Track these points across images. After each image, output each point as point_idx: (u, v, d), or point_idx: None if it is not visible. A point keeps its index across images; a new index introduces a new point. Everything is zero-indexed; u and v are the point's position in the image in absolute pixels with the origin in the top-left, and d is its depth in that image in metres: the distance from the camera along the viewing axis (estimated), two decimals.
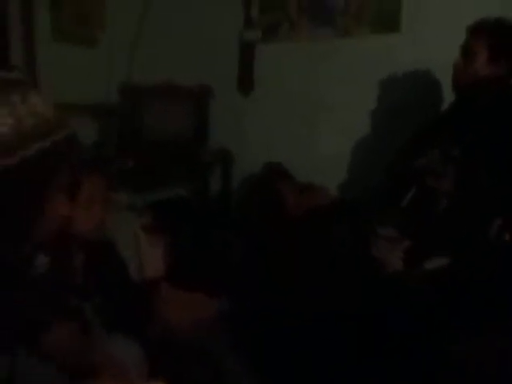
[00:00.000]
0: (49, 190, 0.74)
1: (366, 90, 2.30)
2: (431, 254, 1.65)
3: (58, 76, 2.13)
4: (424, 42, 2.12)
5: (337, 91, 2.35)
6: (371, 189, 2.14)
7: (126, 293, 1.44)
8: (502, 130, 1.62)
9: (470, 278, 1.51)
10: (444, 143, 1.68)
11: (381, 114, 2.32)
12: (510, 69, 1.69)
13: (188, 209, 2.49)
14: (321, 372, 1.60)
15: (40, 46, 2.10)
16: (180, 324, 1.65)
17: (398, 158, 1.91)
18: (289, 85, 2.44)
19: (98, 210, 1.29)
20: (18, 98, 0.71)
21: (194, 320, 1.75)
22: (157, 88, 2.29)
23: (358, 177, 2.40)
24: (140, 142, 2.24)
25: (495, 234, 1.50)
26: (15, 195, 0.71)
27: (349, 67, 2.33)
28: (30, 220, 0.75)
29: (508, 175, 1.54)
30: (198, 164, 2.42)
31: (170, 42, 2.47)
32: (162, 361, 1.29)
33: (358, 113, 2.33)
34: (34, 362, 0.89)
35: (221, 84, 2.41)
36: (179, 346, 1.52)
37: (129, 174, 2.20)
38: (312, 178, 2.20)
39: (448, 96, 1.91)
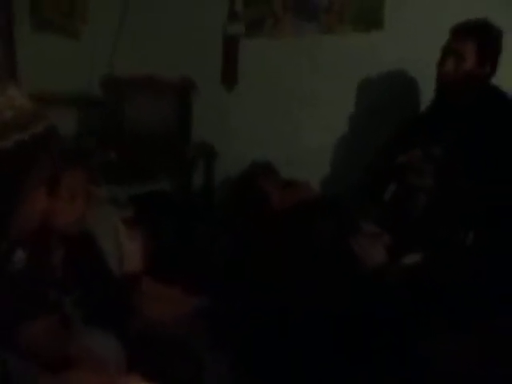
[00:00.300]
0: (27, 183, 0.74)
1: (349, 87, 2.33)
2: (410, 249, 1.68)
3: (40, 67, 2.11)
4: (406, 39, 2.14)
5: (320, 87, 2.36)
6: (353, 184, 2.17)
7: (106, 287, 1.43)
8: (483, 129, 1.66)
9: (443, 275, 1.54)
10: (425, 141, 1.71)
11: (363, 110, 2.34)
12: (490, 70, 1.73)
13: (170, 203, 2.49)
14: (303, 367, 1.62)
15: (20, 37, 2.06)
16: (160, 318, 1.65)
17: (379, 154, 1.94)
18: (272, 80, 2.44)
19: (79, 204, 1.28)
20: None
21: (174, 315, 1.76)
22: (139, 81, 2.26)
23: (340, 172, 2.42)
24: (122, 135, 2.22)
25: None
26: None
27: (332, 63, 2.34)
28: (8, 214, 0.75)
29: (487, 174, 1.57)
30: (181, 158, 2.40)
31: (154, 35, 2.44)
32: (141, 355, 1.29)
33: (341, 108, 2.35)
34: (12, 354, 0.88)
35: (204, 78, 2.40)
36: (159, 341, 1.52)
37: (111, 167, 2.18)
38: (295, 172, 2.21)
39: (428, 93, 1.93)
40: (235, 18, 2.45)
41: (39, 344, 0.99)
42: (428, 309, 1.45)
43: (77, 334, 1.16)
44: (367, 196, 1.92)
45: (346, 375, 1.50)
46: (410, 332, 1.41)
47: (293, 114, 2.44)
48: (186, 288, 1.96)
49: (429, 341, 1.27)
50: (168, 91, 2.31)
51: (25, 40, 2.08)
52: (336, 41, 2.31)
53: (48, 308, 1.13)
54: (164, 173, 2.59)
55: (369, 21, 2.25)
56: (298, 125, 2.43)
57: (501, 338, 1.14)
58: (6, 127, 0.69)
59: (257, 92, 2.46)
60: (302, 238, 1.94)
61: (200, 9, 2.43)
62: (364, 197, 1.96)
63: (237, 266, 2.18)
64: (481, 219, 1.55)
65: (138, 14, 2.43)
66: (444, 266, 1.58)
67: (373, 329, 1.50)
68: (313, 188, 2.28)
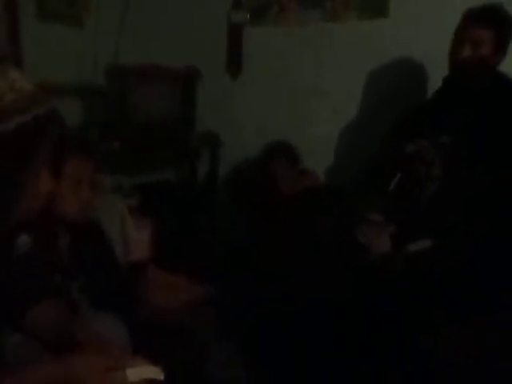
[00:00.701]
0: (30, 165, 0.74)
1: (354, 75, 2.31)
2: (416, 237, 1.67)
3: (45, 57, 2.11)
4: (411, 27, 2.12)
5: (325, 75, 2.35)
6: (358, 174, 2.16)
7: (111, 274, 1.44)
8: (491, 116, 1.64)
9: (447, 263, 1.53)
10: (433, 130, 1.69)
11: (369, 99, 2.33)
12: (504, 53, 1.70)
13: (174, 192, 2.49)
14: (306, 356, 1.63)
15: (25, 26, 2.06)
16: (166, 306, 1.66)
17: (383, 144, 1.92)
18: (277, 68, 2.43)
19: (84, 192, 1.28)
20: None
21: (179, 302, 1.77)
22: (144, 70, 2.26)
23: (346, 161, 2.41)
24: (127, 124, 2.22)
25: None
26: None
27: (337, 51, 2.33)
28: (12, 197, 0.75)
29: (496, 162, 1.56)
30: (185, 147, 2.41)
31: (158, 24, 2.44)
32: (146, 342, 1.30)
33: (347, 97, 2.34)
34: (19, 338, 0.90)
35: (209, 66, 2.40)
36: (165, 328, 1.53)
37: (115, 156, 2.19)
38: (301, 161, 2.20)
39: (434, 81, 1.92)
40: (239, 6, 2.43)
41: (45, 326, 1.00)
42: (430, 301, 1.44)
43: (83, 317, 1.17)
44: (372, 186, 1.91)
45: (347, 365, 1.51)
46: (411, 324, 1.41)
47: (298, 103, 2.43)
48: (191, 276, 1.98)
49: (429, 333, 1.27)
50: (172, 80, 2.31)
51: (30, 30, 2.07)
52: (340, 28, 2.29)
53: (54, 292, 1.14)
54: (168, 162, 2.59)
55: (374, 8, 2.23)
56: (303, 113, 2.42)
57: (499, 332, 1.14)
58: (8, 109, 0.69)
59: (261, 80, 2.45)
60: (306, 226, 1.95)
61: None
62: (369, 187, 1.95)
63: (241, 254, 2.19)
64: (489, 207, 1.54)
65: (142, 3, 2.43)
66: (449, 254, 1.57)
67: (374, 320, 1.50)
68: (319, 177, 2.28)
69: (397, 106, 2.12)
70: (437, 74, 1.83)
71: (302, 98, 2.42)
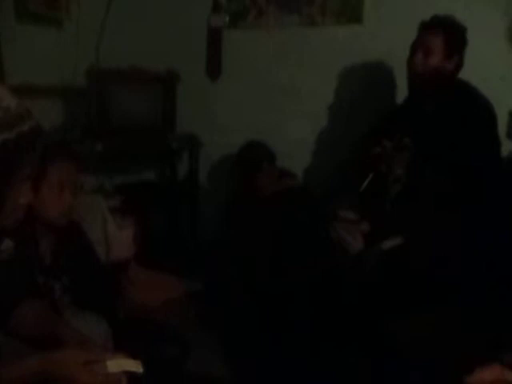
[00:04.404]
0: (13, 178, 0.79)
1: (330, 78, 2.38)
2: (387, 235, 1.76)
3: (25, 59, 2.12)
4: (384, 33, 2.21)
5: (302, 77, 2.42)
6: (334, 173, 2.24)
7: (93, 273, 1.48)
8: (450, 121, 1.74)
9: (420, 256, 1.62)
10: (397, 134, 1.79)
11: (344, 101, 2.41)
12: (457, 64, 1.80)
13: (156, 192, 2.53)
14: (284, 348, 1.70)
15: (4, 28, 2.07)
16: (149, 303, 1.71)
17: (356, 145, 2.01)
18: (256, 70, 2.48)
19: (66, 196, 1.31)
20: None
21: (162, 299, 1.82)
22: (124, 72, 2.28)
23: (322, 161, 2.49)
24: (108, 125, 2.25)
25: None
26: None
27: (314, 55, 2.40)
28: None
29: (453, 163, 1.66)
30: (166, 148, 2.45)
31: (138, 26, 2.46)
32: (128, 338, 1.34)
33: (323, 99, 2.41)
34: (3, 336, 0.95)
35: (189, 69, 2.43)
36: (146, 325, 1.58)
37: (97, 157, 2.22)
38: (278, 161, 2.26)
39: (404, 85, 2.00)
40: (219, 11, 2.48)
41: (28, 325, 1.05)
42: (398, 292, 1.53)
43: (65, 316, 1.21)
44: (346, 185, 2.00)
45: (323, 351, 1.60)
46: (380, 313, 1.50)
47: (276, 104, 2.49)
48: (173, 273, 2.03)
49: (395, 320, 1.36)
50: (153, 82, 2.34)
51: (9, 32, 2.08)
52: (317, 33, 2.36)
53: (37, 293, 1.19)
54: (150, 162, 2.63)
55: (349, 14, 2.30)
56: (281, 115, 2.48)
57: (457, 319, 1.23)
58: None
59: (240, 83, 2.50)
60: (283, 222, 2.02)
61: (185, 1, 2.46)
62: (343, 186, 2.03)
63: (220, 250, 2.25)
64: (450, 204, 1.63)
65: (122, 6, 2.46)
66: (418, 249, 1.66)
67: (347, 310, 1.59)
68: (297, 177, 2.35)
69: (371, 109, 2.21)
70: (405, 78, 1.91)
71: (280, 100, 2.48)
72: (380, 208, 1.82)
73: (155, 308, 1.75)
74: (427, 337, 1.20)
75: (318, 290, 1.75)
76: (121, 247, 2.00)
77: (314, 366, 1.60)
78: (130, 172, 2.55)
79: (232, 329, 1.88)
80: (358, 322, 1.57)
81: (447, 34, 1.76)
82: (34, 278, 1.26)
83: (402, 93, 2.12)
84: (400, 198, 1.77)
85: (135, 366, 0.96)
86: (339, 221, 1.87)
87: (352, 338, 1.58)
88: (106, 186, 2.35)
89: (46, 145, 0.85)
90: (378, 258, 1.75)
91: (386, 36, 2.20)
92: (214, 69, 2.54)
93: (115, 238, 1.99)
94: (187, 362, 1.61)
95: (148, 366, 1.00)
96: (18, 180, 0.80)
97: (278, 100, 2.48)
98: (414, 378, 1.16)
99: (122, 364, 0.95)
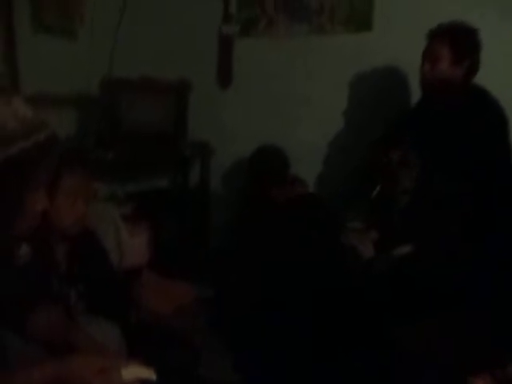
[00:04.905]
0: (30, 185, 0.81)
1: (340, 85, 2.40)
2: (397, 243, 1.76)
3: (40, 69, 2.16)
4: (393, 40, 2.21)
5: (312, 85, 2.44)
6: (344, 182, 2.24)
7: (106, 280, 1.50)
8: (460, 133, 1.73)
9: (429, 264, 1.62)
10: (405, 145, 1.79)
11: (354, 109, 2.42)
12: (469, 67, 1.80)
13: (168, 199, 2.56)
14: (292, 356, 1.71)
15: (21, 39, 2.12)
16: (161, 310, 1.73)
17: (366, 154, 2.02)
18: (266, 79, 2.51)
19: (80, 204, 1.33)
20: (2, 103, 0.77)
21: (175, 306, 1.83)
22: (137, 82, 2.32)
23: (332, 168, 2.49)
24: (120, 134, 2.29)
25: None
26: None
27: (324, 62, 2.42)
28: (13, 214, 0.82)
29: (461, 174, 1.65)
30: (178, 156, 2.48)
31: (150, 36, 2.51)
32: (141, 345, 1.36)
33: (333, 107, 2.43)
34: (20, 341, 0.97)
35: (200, 78, 2.46)
36: (158, 332, 1.59)
37: (109, 166, 2.25)
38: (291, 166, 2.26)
39: (416, 93, 2.00)
40: (229, 20, 2.51)
41: (44, 331, 1.07)
42: (405, 299, 1.53)
43: (80, 322, 1.23)
44: (356, 192, 2.00)
45: (329, 356, 1.60)
46: (386, 319, 1.50)
47: (286, 112, 2.51)
48: (185, 280, 2.04)
49: (401, 326, 1.36)
50: (165, 91, 2.37)
51: (25, 43, 2.13)
52: (327, 41, 2.39)
53: (52, 299, 1.21)
54: (162, 170, 2.66)
55: (359, 22, 2.32)
56: (292, 122, 2.50)
57: (461, 326, 1.23)
58: (12, 136, 0.76)
59: (251, 91, 2.53)
60: (296, 234, 2.02)
61: (196, 11, 2.49)
62: (353, 193, 2.04)
63: (232, 257, 2.26)
64: (456, 216, 1.63)
65: (135, 17, 2.50)
66: (427, 257, 1.66)
67: (355, 318, 1.59)
68: (306, 185, 2.36)
69: (381, 116, 2.21)
70: (416, 86, 1.92)
71: (291, 108, 2.50)
72: (389, 217, 1.82)
73: (167, 314, 1.77)
74: (432, 342, 1.19)
75: (325, 295, 1.76)
76: (133, 254, 2.02)
77: (320, 370, 1.61)
78: (141, 180, 2.58)
79: (241, 335, 1.88)
80: (365, 328, 1.57)
81: (453, 40, 1.76)
82: (50, 285, 1.28)
83: (412, 99, 2.13)
84: (409, 208, 1.77)
85: (149, 374, 0.98)
86: (350, 231, 1.88)
87: (359, 342, 1.58)
88: (118, 193, 2.38)
89: (60, 153, 0.87)
90: (388, 264, 1.76)
91: (396, 43, 2.21)
92: (224, 77, 2.57)
93: (128, 245, 2.02)
94: (198, 368, 1.62)
95: (160, 373, 1.01)
96: (34, 187, 0.82)
97: (289, 107, 2.50)
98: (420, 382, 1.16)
99: (135, 372, 0.96)
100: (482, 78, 1.85)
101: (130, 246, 2.02)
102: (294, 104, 2.49)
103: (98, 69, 2.44)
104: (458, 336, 1.19)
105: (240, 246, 2.26)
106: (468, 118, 1.74)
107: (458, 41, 1.77)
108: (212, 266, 2.33)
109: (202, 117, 2.47)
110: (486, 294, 1.42)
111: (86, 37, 2.45)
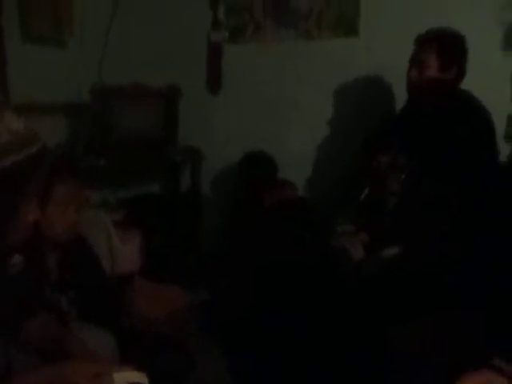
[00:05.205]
0: (22, 197, 0.83)
1: (328, 89, 2.44)
2: (386, 244, 1.79)
3: (30, 78, 2.18)
4: (378, 46, 2.26)
5: (300, 90, 2.47)
6: (332, 185, 2.27)
7: (98, 287, 1.52)
8: (446, 136, 1.77)
9: (417, 264, 1.65)
10: (393, 149, 1.82)
11: (341, 113, 2.45)
12: (457, 73, 1.83)
13: (159, 205, 2.57)
14: (285, 356, 1.73)
15: (10, 48, 2.14)
16: (154, 315, 1.74)
17: (355, 158, 2.05)
18: (255, 84, 2.53)
19: (71, 213, 1.35)
20: None
21: (167, 311, 1.84)
22: (127, 88, 2.34)
23: (321, 173, 2.52)
24: (111, 140, 2.30)
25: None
26: None
27: (311, 67, 2.45)
28: (6, 224, 0.84)
29: (448, 177, 1.69)
30: (169, 162, 2.49)
31: (140, 43, 2.53)
32: (133, 350, 1.37)
33: (321, 111, 2.46)
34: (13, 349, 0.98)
35: (190, 83, 2.48)
36: (152, 337, 1.61)
37: (101, 172, 2.27)
38: (278, 172, 2.30)
39: (402, 97, 2.04)
40: (218, 26, 2.54)
41: (37, 338, 1.09)
42: (396, 299, 1.56)
43: (73, 329, 1.25)
44: (345, 196, 2.03)
45: (322, 357, 1.62)
46: (378, 319, 1.52)
47: (275, 117, 2.54)
48: (177, 285, 2.06)
49: (392, 326, 1.39)
50: (155, 98, 2.39)
51: (15, 53, 2.14)
52: (314, 46, 2.42)
53: (45, 306, 1.23)
54: (153, 176, 2.68)
55: (345, 27, 2.36)
56: (280, 126, 2.53)
57: (454, 325, 1.25)
58: (4, 149, 0.79)
59: (240, 96, 2.55)
60: (285, 233, 2.05)
61: (185, 18, 2.52)
62: (342, 197, 2.07)
63: (225, 262, 2.28)
64: (443, 217, 1.66)
65: (124, 25, 2.52)
66: (415, 258, 1.69)
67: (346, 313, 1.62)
68: (296, 188, 2.39)
69: (369, 120, 2.25)
70: (401, 91, 1.95)
71: (280, 112, 2.53)
72: (378, 219, 1.85)
73: (159, 319, 1.78)
74: (425, 342, 1.22)
75: (318, 297, 1.78)
76: (125, 261, 2.04)
77: (313, 372, 1.63)
78: (133, 186, 2.60)
79: (234, 337, 1.90)
80: (358, 329, 1.60)
81: (441, 46, 1.79)
82: (42, 292, 1.29)
83: (399, 104, 2.17)
84: (397, 209, 1.80)
85: (141, 378, 0.99)
86: (340, 234, 1.91)
87: (352, 344, 1.60)
88: (110, 200, 2.40)
89: (51, 164, 0.90)
90: (378, 265, 1.78)
91: (382, 48, 2.25)
92: (214, 83, 2.60)
93: (120, 251, 2.03)
94: (192, 372, 1.63)
95: (153, 378, 1.03)
96: (26, 198, 0.84)
97: (278, 112, 2.53)
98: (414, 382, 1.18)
99: (128, 376, 0.98)
100: (468, 83, 1.89)
101: (122, 252, 2.03)
102: (282, 108, 2.52)
103: (88, 76, 2.45)
104: (452, 335, 1.21)
105: (232, 250, 2.28)
106: (454, 121, 1.77)
107: (446, 48, 1.80)
108: (204, 271, 2.35)
109: (192, 122, 2.49)
110: (478, 294, 1.45)
111: (75, 45, 2.47)
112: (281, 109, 2.52)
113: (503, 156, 1.96)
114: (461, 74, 1.84)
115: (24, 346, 1.04)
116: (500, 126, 2.02)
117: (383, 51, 2.24)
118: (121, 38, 2.51)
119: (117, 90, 2.33)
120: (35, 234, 1.04)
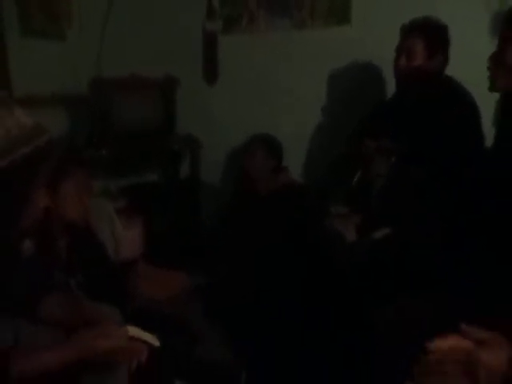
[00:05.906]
0: (33, 185, 0.91)
1: (321, 77, 2.49)
2: (376, 226, 1.86)
3: (31, 70, 2.23)
4: (370, 35, 2.30)
5: (295, 78, 2.52)
6: (326, 169, 2.34)
7: (104, 271, 1.60)
8: (434, 120, 1.83)
9: (408, 246, 1.71)
10: (381, 134, 1.89)
11: (335, 99, 2.51)
12: (442, 60, 1.89)
13: (159, 193, 2.64)
14: (282, 336, 1.80)
15: (10, 42, 2.18)
16: (156, 298, 1.82)
17: (347, 143, 2.12)
18: (251, 73, 2.58)
19: (83, 199, 1.45)
20: (5, 113, 0.87)
21: (168, 294, 1.92)
22: (125, 79, 2.39)
23: (316, 157, 2.59)
24: (111, 131, 2.35)
25: None
26: (5, 191, 0.87)
27: (305, 56, 2.50)
28: (18, 211, 0.92)
29: (435, 162, 1.75)
30: (168, 151, 2.55)
31: (137, 35, 2.56)
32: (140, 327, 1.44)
33: (315, 99, 2.52)
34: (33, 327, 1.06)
35: (187, 73, 2.53)
36: (156, 316, 1.69)
37: (102, 162, 2.33)
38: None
39: (391, 84, 2.10)
40: (213, 16, 2.58)
41: (57, 313, 1.17)
42: (386, 281, 1.62)
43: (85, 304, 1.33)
44: (338, 180, 2.10)
45: (314, 338, 1.70)
46: (367, 301, 1.58)
47: (270, 104, 2.59)
48: (178, 269, 2.13)
49: (381, 308, 1.43)
50: (153, 88, 2.44)
51: (15, 46, 2.19)
52: (308, 35, 2.47)
53: (57, 288, 1.31)
54: (152, 165, 2.74)
55: (338, 17, 2.41)
56: (275, 114, 2.58)
57: (443, 307, 1.29)
58: (15, 143, 0.86)
59: (236, 85, 2.60)
60: (281, 218, 2.12)
61: (180, 9, 2.55)
62: (335, 181, 2.14)
63: (223, 248, 2.35)
64: (431, 199, 1.73)
65: (121, 17, 2.56)
66: (405, 239, 1.76)
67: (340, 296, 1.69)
68: (290, 174, 2.45)
69: (360, 107, 2.30)
70: (392, 79, 2.01)
71: (274, 100, 2.58)
72: (368, 202, 1.92)
73: (162, 301, 1.85)
74: (411, 323, 1.25)
75: (310, 280, 1.85)
76: (128, 247, 2.11)
77: (306, 351, 1.69)
78: (133, 175, 2.66)
79: (234, 320, 1.97)
80: (349, 311, 1.66)
81: (427, 35, 1.85)
82: (52, 276, 1.37)
83: (390, 91, 2.22)
84: (385, 192, 1.87)
85: (152, 339, 1.07)
86: (334, 216, 1.98)
87: (343, 327, 1.66)
88: (111, 189, 2.46)
89: (59, 155, 0.97)
90: (369, 247, 1.85)
91: (374, 36, 2.29)
92: (210, 73, 2.64)
93: (123, 238, 2.10)
94: (195, 350, 1.71)
95: (160, 353, 1.10)
96: (36, 187, 0.92)
97: (272, 100, 2.58)
98: (400, 365, 1.21)
99: (141, 333, 1.05)
100: (456, 70, 1.95)
101: (125, 238, 2.11)
102: (277, 96, 2.56)
103: (87, 68, 2.50)
104: (439, 317, 1.24)
105: (230, 236, 2.35)
106: (440, 107, 1.83)
107: (432, 36, 1.85)
108: (203, 257, 2.42)
109: (190, 112, 2.55)
110: (466, 276, 1.49)
111: (73, 37, 2.51)
112: (276, 96, 2.57)
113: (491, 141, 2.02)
114: (445, 62, 1.90)
115: (43, 324, 1.12)
116: (489, 112, 2.08)
117: (375, 39, 2.28)
118: (118, 30, 2.55)
119: (115, 81, 2.38)
120: (45, 221, 1.12)
